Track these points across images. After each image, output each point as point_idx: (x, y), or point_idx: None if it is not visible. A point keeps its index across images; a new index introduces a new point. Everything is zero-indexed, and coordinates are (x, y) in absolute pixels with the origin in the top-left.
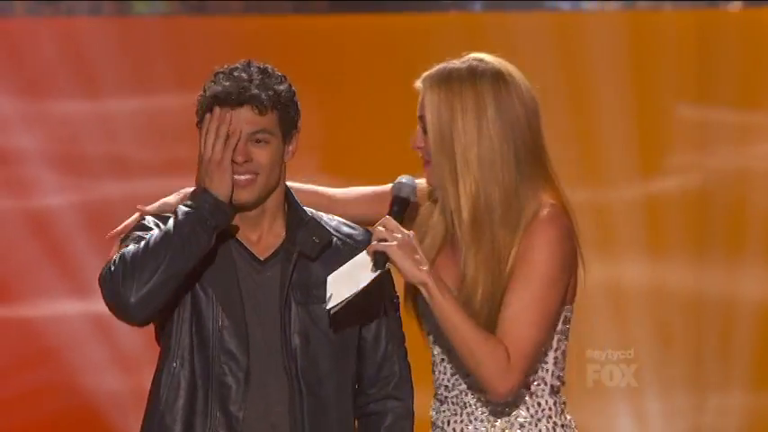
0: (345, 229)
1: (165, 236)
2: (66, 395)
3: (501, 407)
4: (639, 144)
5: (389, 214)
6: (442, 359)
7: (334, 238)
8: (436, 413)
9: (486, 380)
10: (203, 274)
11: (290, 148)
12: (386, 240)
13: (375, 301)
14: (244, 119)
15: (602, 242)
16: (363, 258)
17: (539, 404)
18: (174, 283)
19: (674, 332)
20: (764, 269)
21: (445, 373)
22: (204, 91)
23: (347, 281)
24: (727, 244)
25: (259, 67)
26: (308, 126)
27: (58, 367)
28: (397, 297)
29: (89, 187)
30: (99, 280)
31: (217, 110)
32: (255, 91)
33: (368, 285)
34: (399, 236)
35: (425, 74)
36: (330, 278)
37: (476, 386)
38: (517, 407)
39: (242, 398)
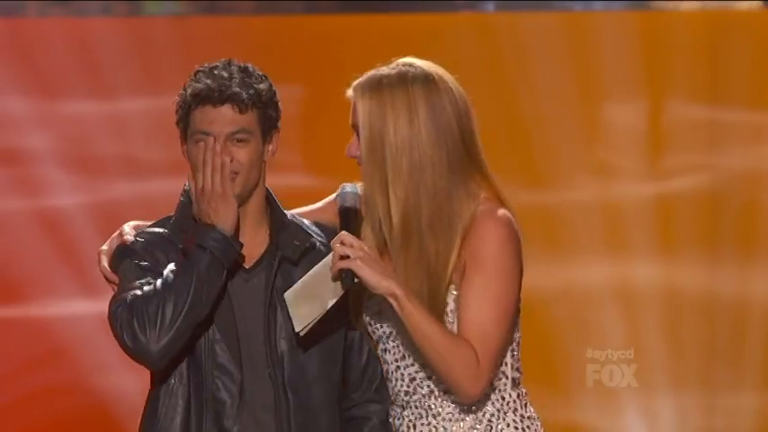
0: (330, 233)
1: (182, 282)
2: (78, 395)
3: (467, 405)
4: (651, 144)
5: (341, 228)
6: (397, 367)
7: (316, 242)
8: (399, 420)
9: (458, 384)
10: None
11: (270, 147)
12: (347, 256)
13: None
14: (224, 118)
15: (612, 242)
16: (321, 274)
17: (502, 398)
18: (193, 327)
19: (685, 332)
20: None
21: (403, 380)
22: (185, 89)
23: (311, 298)
24: (739, 244)
25: (239, 66)
26: (320, 126)
27: (70, 367)
28: None
29: (100, 187)
30: (111, 321)
31: (210, 141)
32: (236, 89)
33: (337, 302)
34: (360, 251)
35: (356, 82)
36: (288, 296)
37: (439, 388)
38: (483, 403)
39: (236, 413)
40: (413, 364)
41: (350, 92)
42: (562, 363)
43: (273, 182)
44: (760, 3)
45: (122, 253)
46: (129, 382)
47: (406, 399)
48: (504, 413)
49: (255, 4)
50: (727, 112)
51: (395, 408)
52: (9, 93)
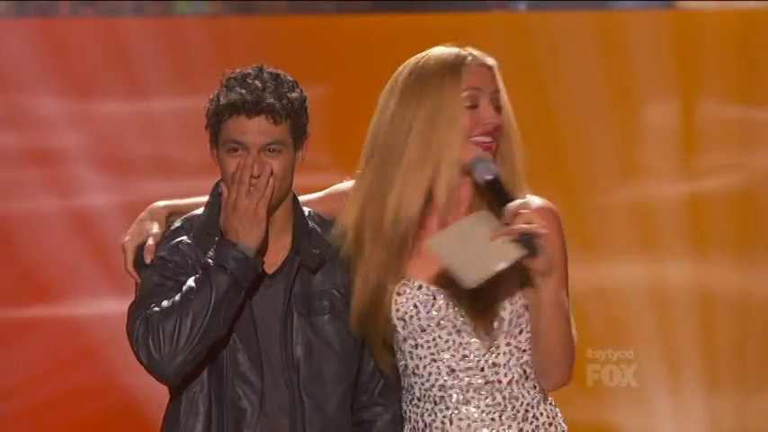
0: (323, 225)
1: (200, 302)
2: (110, 395)
3: (507, 394)
4: (683, 143)
5: (498, 199)
6: (433, 360)
7: (335, 250)
8: (430, 415)
9: (565, 373)
10: None
11: (300, 153)
12: (531, 223)
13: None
14: (258, 129)
15: (645, 242)
16: (477, 232)
17: (534, 386)
18: (209, 346)
19: (718, 333)
20: None
21: (440, 373)
22: (216, 97)
23: (469, 255)
24: None
25: (271, 74)
26: (354, 127)
27: (102, 366)
28: None
29: (133, 187)
30: (128, 332)
31: (249, 160)
32: (270, 100)
33: (510, 264)
34: (536, 221)
35: (490, 57)
36: (437, 246)
37: (478, 377)
38: (521, 393)
39: (256, 421)
40: (453, 358)
41: (492, 61)
42: None
43: (301, 181)
44: None
45: (144, 256)
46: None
47: (440, 393)
48: (538, 402)
49: (288, 4)
50: (760, 112)
51: (422, 404)
52: (42, 93)
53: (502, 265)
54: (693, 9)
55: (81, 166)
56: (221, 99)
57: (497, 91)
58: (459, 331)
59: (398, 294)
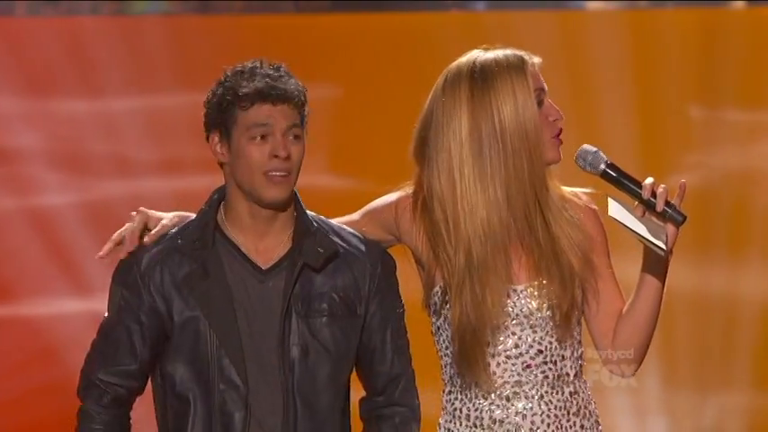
0: (353, 240)
1: None
2: (69, 394)
3: (573, 389)
4: (643, 143)
5: (621, 181)
6: (508, 356)
7: (340, 249)
8: (502, 410)
9: (642, 358)
10: (196, 301)
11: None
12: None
13: (382, 313)
14: (282, 114)
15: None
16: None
17: (586, 383)
18: None
19: (677, 332)
20: None
21: (514, 368)
22: (230, 90)
23: (646, 225)
24: (731, 243)
25: (275, 65)
26: (312, 126)
27: (62, 366)
28: (403, 307)
29: (91, 186)
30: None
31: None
32: (291, 87)
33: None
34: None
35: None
36: (619, 215)
37: (552, 371)
38: (582, 389)
39: (243, 426)
40: (527, 353)
41: (539, 60)
42: None
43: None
44: (751, 1)
45: (121, 273)
46: None
47: (516, 389)
48: (590, 400)
49: (246, 4)
50: (720, 112)
51: (497, 399)
52: None
53: (660, 240)
54: (654, 9)
55: (39, 165)
56: (241, 89)
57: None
58: (533, 327)
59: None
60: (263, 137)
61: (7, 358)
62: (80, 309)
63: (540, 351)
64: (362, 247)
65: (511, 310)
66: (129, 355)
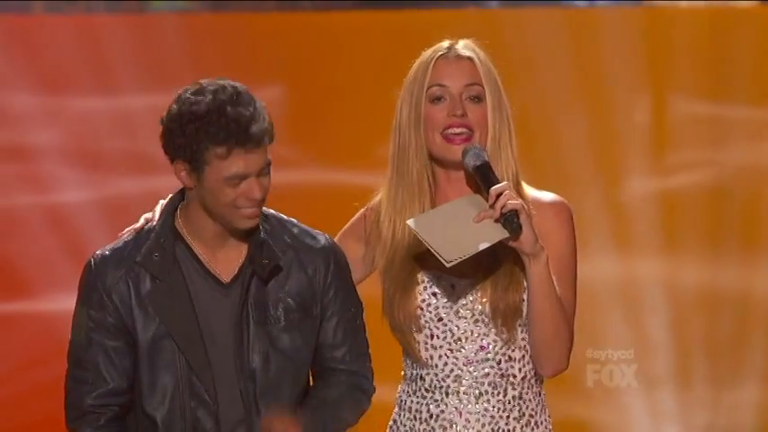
0: (306, 238)
1: None
2: None
3: (518, 393)
4: (654, 140)
5: (484, 183)
6: (450, 350)
7: (287, 256)
8: (438, 405)
9: (559, 358)
10: (160, 318)
11: None
12: (515, 200)
13: (336, 306)
14: (259, 157)
15: (615, 239)
16: (460, 213)
17: (539, 393)
18: None
19: (690, 328)
20: None
21: (456, 364)
22: (195, 126)
23: (450, 234)
24: (742, 240)
25: (238, 93)
26: (310, 124)
27: None
28: (360, 303)
29: (107, 183)
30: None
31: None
32: (264, 125)
33: (492, 244)
34: (523, 204)
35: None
36: (416, 225)
37: (495, 370)
38: (528, 396)
39: None
40: (471, 348)
41: (468, 52)
42: None
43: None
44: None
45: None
46: None
47: (455, 385)
48: (541, 410)
49: (265, 3)
50: (730, 108)
51: (430, 394)
52: (16, 89)
53: (483, 245)
54: (664, 6)
55: (56, 162)
56: (216, 134)
57: (472, 84)
58: (476, 322)
59: (417, 284)
60: (240, 183)
61: (25, 353)
62: None
63: (483, 347)
64: (314, 244)
65: (454, 303)
66: (113, 372)
